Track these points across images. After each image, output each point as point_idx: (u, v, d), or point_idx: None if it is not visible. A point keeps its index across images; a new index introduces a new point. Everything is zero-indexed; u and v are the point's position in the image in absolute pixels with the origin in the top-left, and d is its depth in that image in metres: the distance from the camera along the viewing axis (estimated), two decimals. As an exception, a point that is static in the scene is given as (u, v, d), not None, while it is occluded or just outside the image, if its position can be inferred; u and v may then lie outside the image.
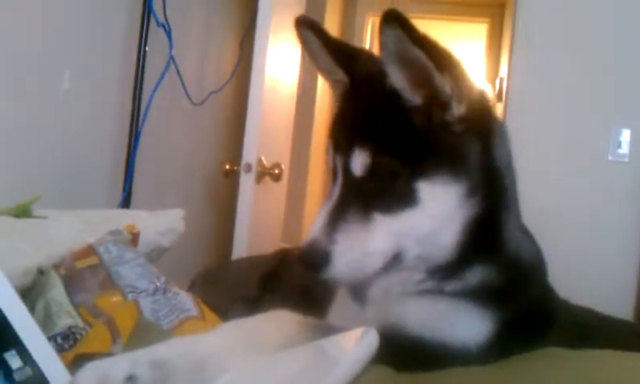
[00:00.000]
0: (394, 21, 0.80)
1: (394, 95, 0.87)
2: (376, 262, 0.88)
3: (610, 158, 2.80)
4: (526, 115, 2.78)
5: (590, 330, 1.17)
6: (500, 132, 0.97)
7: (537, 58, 2.92)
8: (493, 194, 0.92)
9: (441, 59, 0.84)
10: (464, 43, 5.37)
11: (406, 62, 0.84)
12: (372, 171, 0.88)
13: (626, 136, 2.79)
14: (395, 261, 0.89)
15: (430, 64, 0.83)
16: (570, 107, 2.86)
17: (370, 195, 0.88)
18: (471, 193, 0.88)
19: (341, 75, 1.00)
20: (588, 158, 2.84)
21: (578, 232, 2.73)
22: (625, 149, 2.79)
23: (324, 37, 0.99)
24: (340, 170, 0.92)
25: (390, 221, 0.87)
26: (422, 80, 0.85)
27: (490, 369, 0.84)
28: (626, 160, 2.79)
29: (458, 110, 0.87)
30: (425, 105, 0.87)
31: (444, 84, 0.85)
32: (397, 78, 0.86)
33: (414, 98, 0.87)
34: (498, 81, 3.84)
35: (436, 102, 0.87)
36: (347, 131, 0.93)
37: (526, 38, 2.93)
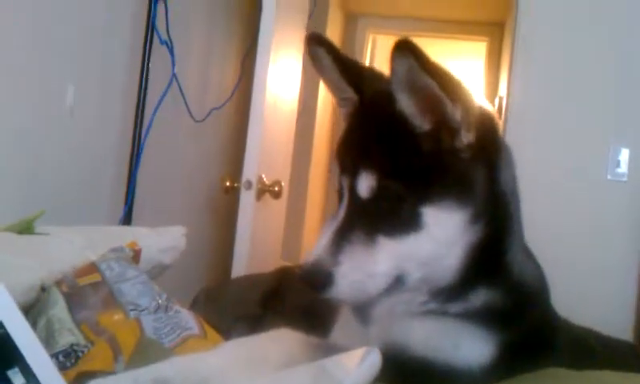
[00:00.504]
0: (406, 50, 0.80)
1: (402, 119, 0.87)
2: (379, 284, 0.89)
3: (609, 177, 2.81)
4: (526, 134, 2.79)
5: (591, 351, 1.17)
6: (506, 157, 0.98)
7: (536, 77, 2.94)
8: (497, 219, 0.93)
9: (452, 89, 0.85)
10: (464, 61, 5.40)
11: (417, 90, 0.84)
12: (378, 194, 0.88)
13: (624, 155, 2.80)
14: (398, 283, 0.90)
15: (441, 94, 0.84)
16: (568, 126, 2.87)
17: (374, 217, 0.88)
18: (476, 218, 0.89)
19: (350, 93, 1.01)
20: (587, 177, 2.84)
21: (577, 251, 2.73)
22: (624, 168, 2.79)
23: (335, 54, 0.99)
24: (346, 191, 0.92)
25: (394, 244, 0.88)
26: (432, 107, 0.86)
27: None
28: (625, 179, 2.79)
29: (466, 137, 0.88)
30: (433, 130, 0.88)
31: (455, 113, 0.86)
32: (406, 105, 0.86)
33: (422, 123, 0.87)
34: (497, 99, 3.87)
35: (445, 128, 0.87)
36: (354, 152, 0.94)
37: (525, 55, 2.95)
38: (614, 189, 2.81)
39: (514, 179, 0.99)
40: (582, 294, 2.44)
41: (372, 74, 1.04)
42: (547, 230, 2.35)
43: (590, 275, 2.71)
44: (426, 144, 0.88)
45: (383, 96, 0.92)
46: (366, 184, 0.89)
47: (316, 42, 1.00)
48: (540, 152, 2.73)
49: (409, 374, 0.84)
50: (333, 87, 1.04)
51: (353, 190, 0.90)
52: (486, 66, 5.13)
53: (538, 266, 1.05)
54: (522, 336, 0.93)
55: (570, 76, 2.90)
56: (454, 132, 0.87)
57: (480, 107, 0.92)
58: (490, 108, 0.96)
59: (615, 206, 2.81)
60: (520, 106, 2.95)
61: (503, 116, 3.03)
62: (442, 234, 0.88)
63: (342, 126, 1.06)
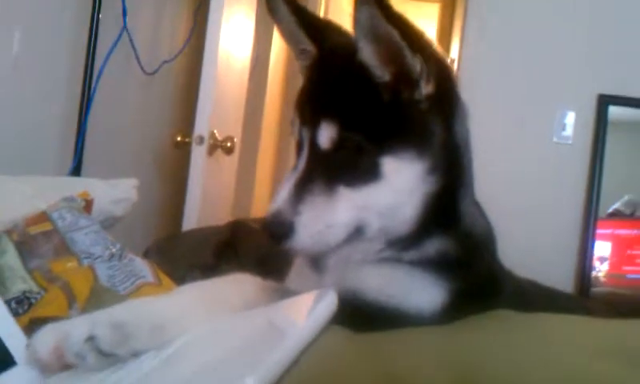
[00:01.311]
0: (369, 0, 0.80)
1: (363, 70, 0.88)
2: (339, 234, 0.90)
3: (555, 139, 2.90)
4: (476, 96, 2.81)
5: (534, 300, 1.22)
6: (462, 110, 1.00)
7: (487, 41, 2.99)
8: (452, 171, 0.95)
9: (413, 39, 0.86)
10: (416, 23, 5.42)
11: (379, 40, 0.85)
12: (338, 145, 0.89)
13: (570, 119, 2.89)
14: (357, 233, 0.92)
15: (402, 43, 0.85)
16: (517, 90, 2.94)
17: (335, 168, 0.90)
18: (433, 169, 0.91)
19: (308, 45, 1.01)
20: (535, 139, 2.92)
21: (524, 209, 2.82)
22: (569, 131, 2.89)
23: (293, 4, 0.99)
24: (306, 143, 0.93)
25: (354, 194, 0.89)
26: (393, 57, 0.87)
27: (444, 329, 0.88)
28: (570, 142, 2.89)
29: (426, 88, 0.89)
30: (394, 81, 0.89)
31: (415, 63, 0.87)
32: (368, 55, 0.87)
33: (383, 74, 0.88)
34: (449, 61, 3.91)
35: (405, 79, 0.88)
36: (314, 104, 0.95)
37: (477, 19, 2.98)
38: (560, 150, 2.90)
39: (467, 132, 1.01)
40: (527, 251, 2.52)
41: (330, 27, 1.05)
42: (497, 188, 2.41)
43: (536, 231, 2.81)
44: (386, 95, 0.89)
45: (343, 48, 0.93)
46: (326, 135, 0.90)
47: None
48: (490, 114, 2.79)
49: (363, 318, 0.86)
50: (291, 39, 1.04)
51: (313, 141, 0.91)
52: (439, 28, 5.14)
53: (486, 219, 1.08)
54: (471, 284, 0.96)
55: (520, 41, 2.96)
56: (413, 83, 0.89)
57: (439, 59, 0.93)
58: (448, 61, 0.98)
59: (561, 166, 2.90)
60: (471, 68, 3.00)
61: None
62: (401, 184, 0.90)
63: (300, 78, 1.06)
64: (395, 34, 0.84)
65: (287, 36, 1.04)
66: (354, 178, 0.89)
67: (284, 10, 0.99)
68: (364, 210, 0.90)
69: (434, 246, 0.95)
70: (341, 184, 0.89)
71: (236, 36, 2.92)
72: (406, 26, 0.85)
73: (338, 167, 0.90)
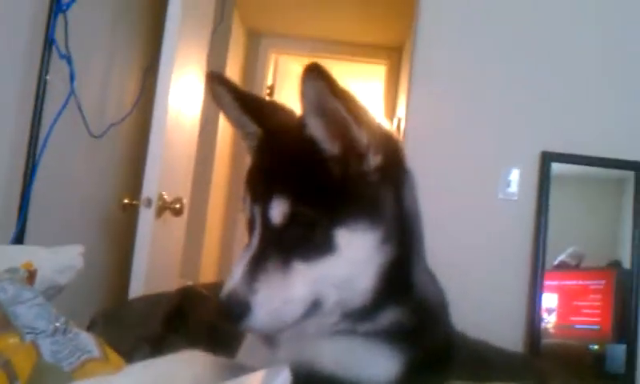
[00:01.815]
0: (316, 73, 0.82)
1: (311, 145, 0.89)
2: (296, 310, 0.89)
3: (500, 196, 2.96)
4: (423, 155, 2.89)
5: (488, 364, 1.23)
6: (410, 179, 1.02)
7: (432, 100, 3.06)
8: (404, 240, 0.96)
9: (358, 112, 0.88)
10: (364, 83, 5.53)
11: (326, 114, 0.86)
12: (290, 220, 0.89)
13: (515, 175, 2.96)
14: (314, 307, 0.91)
15: (348, 117, 0.86)
16: (463, 148, 3.00)
17: (289, 244, 0.89)
18: (386, 239, 0.92)
19: (253, 128, 1.03)
20: (480, 196, 2.98)
21: (472, 267, 2.85)
22: (514, 187, 2.96)
23: (235, 92, 1.02)
24: (258, 220, 0.93)
25: (310, 268, 0.89)
26: (340, 131, 0.88)
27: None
28: (515, 198, 2.96)
29: (374, 160, 0.91)
30: (342, 155, 0.90)
31: (361, 136, 0.89)
32: (315, 128, 0.88)
33: (331, 148, 0.90)
34: (395, 120, 3.99)
35: (353, 152, 0.90)
36: (265, 180, 0.95)
37: (422, 79, 3.06)
38: (505, 207, 2.96)
39: (416, 201, 1.03)
40: (478, 307, 2.55)
41: (274, 107, 1.08)
42: (444, 247, 2.44)
43: (484, 288, 2.83)
44: (335, 168, 0.90)
45: (288, 126, 0.95)
46: (278, 210, 0.90)
47: (216, 81, 1.02)
48: (436, 172, 2.84)
49: None
50: (236, 123, 1.06)
51: (265, 217, 0.91)
52: (385, 88, 5.28)
53: (438, 284, 1.09)
54: (426, 353, 0.97)
55: (465, 100, 3.04)
56: (361, 156, 0.90)
57: (385, 131, 0.95)
58: (394, 132, 1.00)
59: (507, 221, 2.96)
60: (417, 127, 3.06)
61: (402, 137, 3.12)
62: (355, 255, 0.90)
63: (249, 159, 1.07)
64: (341, 108, 0.85)
65: (232, 121, 1.06)
66: (308, 253, 0.89)
67: (227, 98, 1.02)
68: (320, 284, 0.90)
69: (387, 317, 0.95)
70: (296, 259, 0.89)
71: (185, 97, 2.93)
72: (352, 101, 0.87)
73: (292, 242, 0.89)
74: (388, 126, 0.99)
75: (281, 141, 0.98)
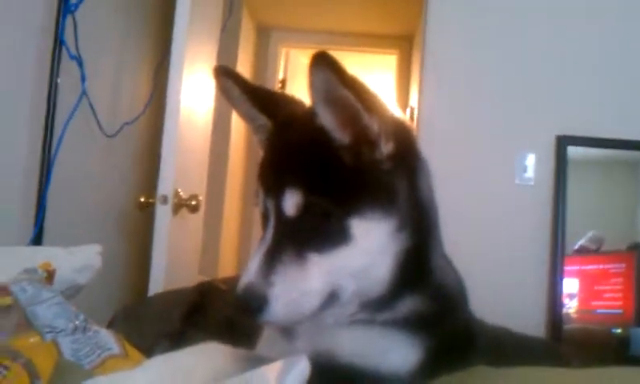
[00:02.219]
0: (323, 63, 0.81)
1: (322, 135, 0.88)
2: (313, 301, 0.89)
3: (517, 181, 2.94)
4: (437, 143, 2.87)
5: (507, 350, 1.22)
6: (424, 167, 1.01)
7: (444, 88, 3.04)
8: (420, 227, 0.95)
9: (368, 100, 0.87)
10: (375, 74, 5.52)
11: (335, 103, 0.85)
12: (304, 211, 0.89)
13: (530, 160, 2.94)
14: (332, 299, 0.90)
15: (358, 105, 0.85)
16: (477, 134, 2.98)
17: (303, 235, 0.89)
18: (401, 227, 0.91)
19: (263, 120, 1.02)
20: (496, 182, 2.96)
21: (489, 254, 2.83)
22: (530, 173, 2.94)
23: (243, 85, 1.01)
24: (272, 212, 0.92)
25: (326, 259, 0.88)
26: (350, 120, 0.87)
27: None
28: (532, 183, 2.93)
29: (386, 148, 0.90)
30: (353, 144, 0.89)
31: (372, 124, 0.87)
32: (326, 118, 0.87)
33: (342, 137, 0.89)
34: (408, 110, 3.97)
35: (364, 141, 0.89)
36: (277, 173, 0.94)
37: (434, 68, 3.04)
38: (522, 192, 2.94)
39: (431, 188, 1.02)
40: (497, 295, 2.53)
41: (283, 99, 1.07)
42: (462, 234, 2.43)
43: (503, 276, 2.81)
44: (347, 157, 0.89)
45: (299, 116, 0.94)
46: (291, 202, 0.89)
47: (224, 75, 1.01)
48: (451, 160, 2.82)
49: (338, 381, 0.85)
50: (246, 117, 1.05)
51: (279, 209, 0.91)
52: (397, 78, 5.26)
53: (456, 272, 1.08)
54: (445, 340, 0.96)
55: (477, 87, 3.01)
56: (373, 144, 0.89)
57: (396, 118, 0.94)
58: (406, 119, 0.99)
59: (525, 207, 2.94)
60: (430, 116, 3.04)
61: (415, 126, 3.11)
62: (371, 245, 0.90)
63: (260, 152, 1.06)
64: (350, 97, 0.84)
65: (242, 114, 1.06)
66: (323, 243, 0.88)
67: (236, 91, 1.01)
68: (337, 275, 0.89)
69: (406, 306, 0.94)
70: (311, 250, 0.88)
71: (197, 94, 2.93)
72: (361, 88, 0.86)
73: (307, 234, 0.89)
74: (400, 113, 0.98)
75: (291, 132, 0.97)
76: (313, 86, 0.85)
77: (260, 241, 0.93)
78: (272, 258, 0.88)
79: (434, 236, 1.01)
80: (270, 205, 0.92)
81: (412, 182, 0.95)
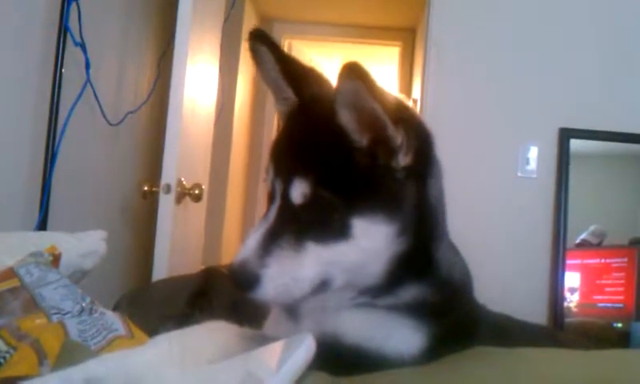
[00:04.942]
0: (355, 73, 0.80)
1: (340, 132, 0.88)
2: (304, 288, 0.90)
3: (519, 174, 2.94)
4: (440, 135, 2.87)
5: (511, 335, 1.23)
6: (437, 172, 1.00)
7: (448, 80, 3.04)
8: (424, 229, 0.95)
9: (396, 114, 0.86)
10: (377, 66, 5.51)
11: (360, 110, 0.85)
12: (310, 201, 0.89)
13: (533, 153, 2.94)
14: (322, 286, 0.91)
15: (385, 117, 0.85)
16: (480, 126, 2.99)
17: (305, 224, 0.89)
18: (402, 232, 0.91)
19: (289, 94, 1.01)
20: (499, 174, 2.96)
21: (492, 245, 2.83)
22: (533, 165, 2.94)
23: (277, 53, 0.99)
24: (278, 194, 0.92)
25: (322, 250, 0.89)
26: (373, 126, 0.87)
27: (422, 369, 0.87)
28: (534, 176, 2.93)
29: (404, 160, 0.89)
30: (371, 147, 0.89)
31: (396, 135, 0.87)
32: (347, 120, 0.87)
33: (361, 139, 0.88)
34: (411, 102, 3.97)
35: (383, 147, 0.88)
36: (290, 157, 0.94)
37: (437, 60, 3.04)
38: (524, 185, 2.94)
39: (441, 190, 1.02)
40: (499, 288, 2.52)
41: (313, 76, 1.05)
42: (464, 228, 2.43)
43: (505, 269, 2.82)
44: (362, 159, 0.89)
45: (324, 102, 0.92)
46: (299, 191, 0.89)
47: (259, 40, 0.99)
48: (454, 152, 2.81)
49: (343, 362, 0.86)
50: (272, 85, 1.04)
51: (285, 194, 0.91)
52: (400, 70, 5.25)
53: (462, 261, 1.09)
54: (450, 326, 0.96)
55: (480, 79, 3.02)
56: (392, 152, 0.89)
57: (421, 131, 0.93)
58: (428, 128, 0.97)
59: (527, 200, 2.94)
60: (433, 108, 3.04)
61: (418, 118, 3.10)
62: (369, 246, 0.90)
63: (264, 126, 1.06)
64: (378, 108, 0.84)
65: (268, 81, 1.04)
66: (323, 235, 0.89)
67: (268, 57, 0.99)
68: (330, 266, 0.90)
69: (409, 293, 0.95)
70: (310, 240, 0.89)
71: (200, 83, 2.93)
72: (389, 101, 0.85)
73: (308, 223, 0.89)
74: (424, 123, 0.97)
75: (312, 117, 0.96)
76: (341, 93, 0.84)
77: (262, 217, 0.94)
78: (270, 239, 0.89)
79: (440, 234, 1.01)
80: (278, 187, 0.93)
81: (422, 190, 0.95)
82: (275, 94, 1.05)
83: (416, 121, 0.93)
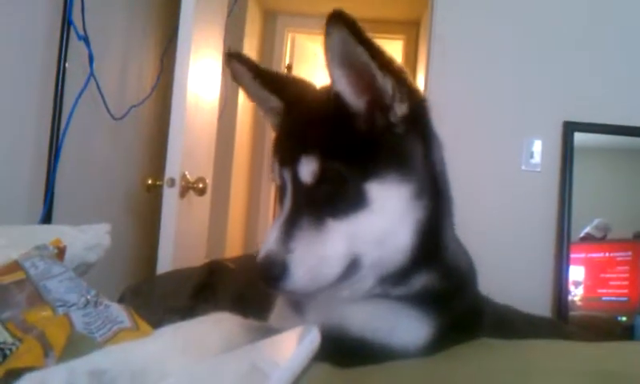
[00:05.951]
0: (340, 21, 0.82)
1: (336, 103, 0.89)
2: (334, 267, 0.89)
3: (523, 167, 2.94)
4: (444, 128, 2.86)
5: (513, 327, 1.23)
6: (437, 139, 1.01)
7: (452, 74, 3.03)
8: (435, 199, 0.95)
9: (383, 59, 0.87)
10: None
11: (350, 64, 0.86)
12: (321, 177, 0.89)
13: (537, 146, 2.93)
14: (353, 268, 0.91)
15: (373, 64, 0.85)
16: (484, 120, 2.98)
17: (321, 201, 0.89)
18: (418, 194, 0.91)
19: (274, 102, 1.04)
20: (503, 168, 2.96)
21: (496, 239, 2.83)
22: (537, 159, 2.93)
23: (254, 69, 1.03)
24: (289, 182, 0.93)
25: (344, 224, 0.89)
26: (365, 83, 0.88)
27: (427, 360, 0.87)
28: (539, 169, 2.93)
29: (400, 109, 0.90)
30: (368, 109, 0.90)
31: (386, 84, 0.88)
32: (340, 82, 0.88)
33: (357, 103, 0.89)
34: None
35: (379, 105, 0.89)
36: (292, 144, 0.95)
37: (441, 53, 3.03)
38: (528, 178, 2.94)
39: (444, 163, 1.02)
40: (503, 281, 2.52)
41: (292, 80, 1.08)
42: (468, 221, 2.43)
43: (509, 263, 2.82)
44: (361, 123, 0.90)
45: (309, 94, 0.96)
46: (307, 168, 0.90)
47: (235, 60, 1.03)
48: (458, 145, 2.81)
49: (348, 353, 0.86)
50: (256, 99, 1.07)
51: (296, 178, 0.91)
52: (403, 63, 5.23)
53: (467, 253, 1.09)
54: (455, 317, 0.97)
55: (485, 72, 3.01)
56: (387, 107, 0.90)
57: (411, 81, 0.94)
58: (419, 87, 0.99)
59: (531, 193, 2.93)
60: (437, 102, 3.00)
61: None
62: (389, 208, 0.90)
63: (270, 138, 1.08)
64: (365, 55, 0.85)
65: (253, 97, 1.08)
66: (341, 209, 0.89)
67: (247, 76, 1.03)
68: (356, 240, 0.90)
69: (420, 281, 0.95)
70: (329, 216, 0.89)
71: (203, 78, 2.93)
72: (377, 48, 0.86)
73: (324, 200, 0.89)
74: (413, 78, 0.98)
75: (303, 107, 0.98)
76: (328, 46, 0.85)
77: (278, 214, 0.93)
78: (291, 226, 0.88)
79: (448, 211, 1.02)
80: (287, 175, 0.93)
81: (426, 150, 0.95)
82: (261, 106, 1.08)
83: (405, 72, 0.93)
